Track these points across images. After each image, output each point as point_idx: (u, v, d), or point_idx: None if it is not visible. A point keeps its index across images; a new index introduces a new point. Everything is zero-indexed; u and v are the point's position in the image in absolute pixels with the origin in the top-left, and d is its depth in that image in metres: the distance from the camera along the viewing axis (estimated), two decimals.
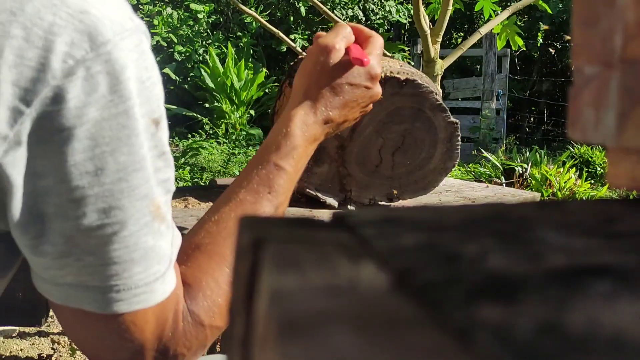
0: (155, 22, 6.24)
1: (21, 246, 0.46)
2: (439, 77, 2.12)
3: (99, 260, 0.45)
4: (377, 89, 0.71)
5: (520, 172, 4.19)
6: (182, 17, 6.46)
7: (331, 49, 0.68)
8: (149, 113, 0.46)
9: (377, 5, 7.29)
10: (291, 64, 1.14)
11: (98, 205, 0.44)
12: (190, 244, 0.57)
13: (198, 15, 6.56)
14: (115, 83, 0.43)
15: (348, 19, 6.93)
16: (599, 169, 5.10)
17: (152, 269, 0.47)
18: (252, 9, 6.23)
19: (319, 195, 1.13)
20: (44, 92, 0.41)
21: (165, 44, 6.44)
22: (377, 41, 0.72)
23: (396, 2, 7.45)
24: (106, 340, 0.49)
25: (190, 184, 4.49)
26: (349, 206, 1.14)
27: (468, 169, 4.83)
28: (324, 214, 1.07)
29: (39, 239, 0.44)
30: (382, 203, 1.15)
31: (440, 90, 1.88)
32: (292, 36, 6.54)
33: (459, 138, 1.12)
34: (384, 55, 2.05)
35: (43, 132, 0.42)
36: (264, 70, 6.62)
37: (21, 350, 2.06)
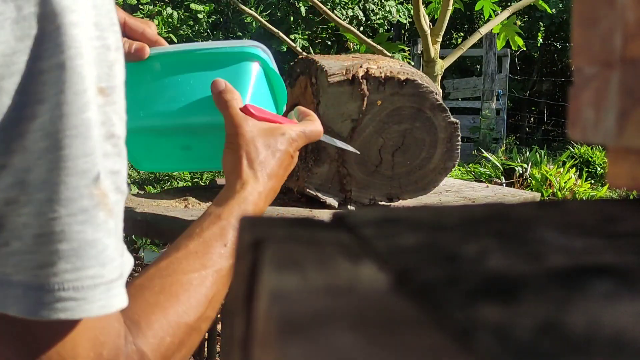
0: (156, 22, 6.24)
1: None
2: (439, 77, 2.12)
3: (24, 246, 0.36)
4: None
5: (520, 172, 4.19)
6: (182, 17, 6.46)
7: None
8: (96, 79, 0.38)
9: (377, 5, 7.29)
10: (291, 64, 1.14)
11: (24, 174, 0.36)
12: (134, 285, 0.49)
13: (198, 15, 6.56)
14: (52, 28, 0.35)
15: (348, 19, 6.93)
16: (599, 169, 5.10)
17: (88, 270, 0.37)
18: (252, 9, 6.23)
19: (319, 195, 1.13)
20: None
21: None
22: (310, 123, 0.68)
23: (396, 2, 7.45)
24: None
25: (190, 184, 4.49)
26: (349, 206, 1.14)
27: (468, 169, 4.83)
28: (324, 214, 1.07)
29: None
30: (382, 203, 1.15)
31: (440, 90, 1.88)
32: (292, 36, 6.54)
33: (459, 138, 1.12)
34: (384, 55, 2.05)
35: None
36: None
37: None
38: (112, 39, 0.39)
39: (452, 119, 1.11)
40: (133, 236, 2.62)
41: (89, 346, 0.40)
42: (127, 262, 0.42)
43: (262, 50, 0.71)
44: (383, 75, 1.05)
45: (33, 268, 0.37)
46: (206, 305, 0.52)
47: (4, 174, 0.36)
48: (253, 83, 0.69)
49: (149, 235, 1.06)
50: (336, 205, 1.13)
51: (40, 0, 0.35)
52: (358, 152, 0.97)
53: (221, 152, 0.64)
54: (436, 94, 1.09)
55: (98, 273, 0.38)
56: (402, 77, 1.05)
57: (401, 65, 1.10)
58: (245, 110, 0.64)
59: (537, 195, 1.36)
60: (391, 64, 1.08)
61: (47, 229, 0.36)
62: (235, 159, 0.62)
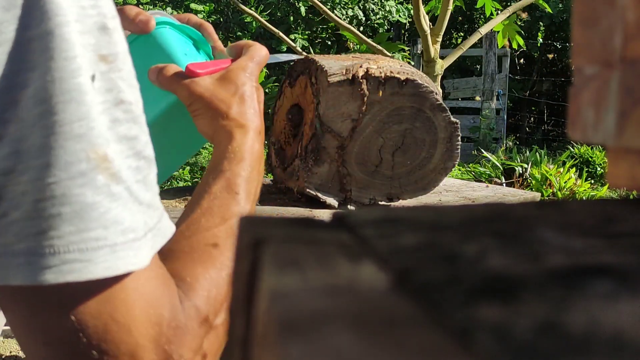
0: None
1: None
2: (439, 77, 2.12)
3: (24, 214, 0.36)
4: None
5: (520, 172, 4.19)
6: None
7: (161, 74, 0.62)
8: (95, 47, 0.38)
9: (377, 5, 7.29)
10: (291, 63, 1.14)
11: (19, 143, 0.36)
12: (163, 252, 0.47)
13: (198, 15, 6.56)
14: None
15: (348, 19, 6.93)
16: (599, 168, 5.10)
17: (90, 232, 0.37)
18: (252, 8, 6.22)
19: (319, 195, 1.13)
20: None
21: None
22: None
23: (396, 2, 7.45)
24: (75, 347, 0.38)
25: (190, 184, 4.49)
26: (349, 206, 1.14)
27: (468, 169, 4.83)
28: (324, 214, 1.07)
29: None
30: (382, 203, 1.16)
31: (440, 90, 1.88)
32: (292, 36, 6.54)
33: (459, 138, 1.12)
34: (384, 55, 2.04)
35: None
36: (264, 70, 6.62)
37: (21, 350, 2.06)
38: (107, 8, 0.40)
39: (452, 118, 1.11)
40: None
41: (145, 308, 0.40)
42: (164, 228, 0.42)
43: (160, 15, 0.69)
44: (383, 75, 1.05)
45: (35, 234, 0.36)
46: None
47: (0, 145, 0.36)
48: (175, 47, 0.67)
49: None
50: (336, 205, 1.13)
51: None
52: (301, 56, 0.94)
53: (193, 126, 0.63)
54: (436, 93, 1.09)
55: (101, 235, 0.38)
56: (402, 77, 1.05)
57: (401, 65, 1.10)
58: (189, 72, 0.62)
59: (537, 195, 1.36)
60: (391, 64, 1.08)
61: (47, 193, 0.36)
62: (208, 121, 0.61)
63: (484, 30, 2.30)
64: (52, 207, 0.37)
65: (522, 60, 8.41)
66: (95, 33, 0.39)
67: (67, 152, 0.37)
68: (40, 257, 0.36)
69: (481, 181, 3.99)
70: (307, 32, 6.95)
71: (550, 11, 2.72)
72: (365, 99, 1.06)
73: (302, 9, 6.80)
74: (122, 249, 0.39)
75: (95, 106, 0.38)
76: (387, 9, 7.27)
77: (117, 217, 0.39)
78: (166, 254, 0.47)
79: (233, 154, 0.58)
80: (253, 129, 0.61)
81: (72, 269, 0.37)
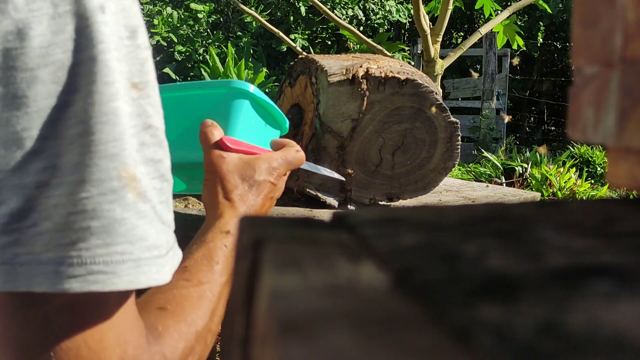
0: (156, 21, 6.24)
1: None
2: (439, 77, 2.12)
3: (55, 225, 0.38)
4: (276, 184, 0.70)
5: (521, 172, 4.19)
6: (182, 16, 6.46)
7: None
8: (128, 74, 0.41)
9: (377, 5, 7.28)
10: (291, 63, 1.14)
11: (56, 158, 0.38)
12: (138, 302, 0.49)
13: (198, 15, 6.56)
14: (85, 25, 0.39)
15: (348, 19, 6.93)
16: (599, 168, 5.10)
17: (117, 246, 0.39)
18: (252, 8, 6.22)
19: (319, 195, 1.13)
20: (4, 25, 0.37)
21: (166, 44, 6.44)
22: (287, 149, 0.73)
23: (396, 1, 7.45)
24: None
25: None
26: (349, 206, 1.14)
27: (468, 168, 4.83)
28: (324, 214, 1.07)
29: None
30: (382, 203, 1.15)
31: (440, 90, 1.88)
32: (292, 36, 6.54)
33: (459, 138, 1.12)
34: (384, 55, 2.05)
35: (4, 71, 0.37)
36: (264, 70, 6.63)
37: None
38: (142, 39, 0.43)
39: (452, 118, 1.11)
40: None
41: (115, 340, 0.42)
42: (175, 252, 0.45)
43: (248, 85, 0.74)
44: (383, 75, 1.05)
45: (65, 245, 0.38)
46: (209, 316, 0.55)
47: (36, 159, 0.38)
48: (237, 117, 0.72)
49: None
50: (336, 205, 1.13)
51: (75, 0, 0.39)
52: (343, 179, 0.98)
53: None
54: (436, 93, 1.09)
55: (127, 249, 0.40)
56: (402, 77, 1.05)
57: (401, 65, 1.10)
58: (222, 144, 0.67)
59: (537, 195, 1.36)
60: (391, 64, 1.08)
61: (79, 207, 0.38)
62: (211, 193, 0.66)
63: (484, 30, 2.30)
64: (82, 220, 0.39)
65: (514, 59, 8.41)
66: (129, 62, 0.41)
67: (100, 169, 0.39)
68: (68, 267, 0.38)
69: (481, 181, 3.99)
70: (307, 32, 6.95)
71: (550, 11, 2.72)
72: (365, 99, 1.06)
73: (302, 9, 6.80)
74: (146, 264, 0.41)
75: (128, 129, 0.41)
76: (387, 8, 7.27)
77: (143, 234, 0.41)
78: (141, 304, 0.50)
79: (218, 229, 0.63)
80: (246, 213, 0.66)
81: (96, 279, 0.39)
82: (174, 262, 0.44)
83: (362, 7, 7.18)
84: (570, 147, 5.56)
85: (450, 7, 2.10)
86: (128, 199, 0.40)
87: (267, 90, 6.70)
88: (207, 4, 6.63)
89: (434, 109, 1.02)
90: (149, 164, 0.42)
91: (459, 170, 4.75)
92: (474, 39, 2.28)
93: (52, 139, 0.38)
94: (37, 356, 0.40)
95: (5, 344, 0.41)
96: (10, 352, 0.41)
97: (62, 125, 0.38)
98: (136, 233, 0.40)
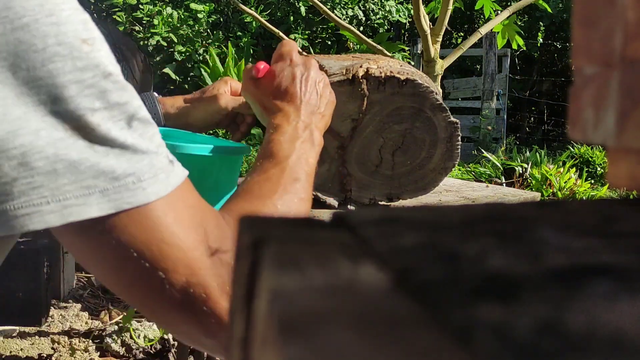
0: (156, 21, 6.23)
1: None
2: (439, 77, 2.12)
3: (30, 173, 0.45)
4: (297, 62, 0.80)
5: (521, 172, 4.19)
6: (182, 16, 6.46)
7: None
8: (74, 33, 0.46)
9: (377, 5, 7.28)
10: None
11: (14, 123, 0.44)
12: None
13: (198, 15, 6.55)
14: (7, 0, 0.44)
15: (348, 19, 6.93)
16: (599, 168, 5.10)
17: (82, 182, 0.46)
18: (252, 8, 6.22)
19: (319, 195, 1.13)
20: None
21: (166, 44, 6.44)
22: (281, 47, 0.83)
23: (396, 1, 7.44)
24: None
25: None
26: (349, 206, 1.14)
27: (468, 168, 4.83)
28: (324, 214, 1.07)
29: None
30: (382, 203, 1.15)
31: (440, 90, 1.88)
32: (292, 36, 6.54)
33: (459, 138, 1.12)
34: (384, 55, 2.05)
35: None
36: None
37: (21, 350, 2.06)
38: (75, 4, 0.48)
39: (452, 118, 1.11)
40: None
41: (186, 231, 0.50)
42: (164, 173, 0.50)
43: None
44: (383, 75, 1.05)
45: (38, 187, 0.45)
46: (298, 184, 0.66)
47: None
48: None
49: None
50: (336, 205, 1.13)
51: None
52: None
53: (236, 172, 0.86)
54: (436, 93, 1.09)
55: (91, 184, 0.47)
56: (402, 77, 1.05)
57: (401, 65, 1.10)
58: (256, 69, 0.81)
59: (537, 195, 1.36)
60: (391, 64, 1.08)
61: (43, 154, 0.45)
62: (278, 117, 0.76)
63: (483, 30, 2.30)
64: (49, 165, 0.45)
65: (521, 62, 8.40)
66: (69, 23, 0.47)
67: (45, 123, 0.45)
68: (46, 205, 0.45)
69: (481, 181, 3.99)
70: (307, 32, 6.95)
71: (550, 11, 2.72)
72: (365, 99, 1.05)
73: (302, 9, 6.79)
74: (117, 191, 0.47)
75: (74, 84, 0.46)
76: (387, 8, 7.27)
77: (107, 168, 0.47)
78: (225, 209, 0.60)
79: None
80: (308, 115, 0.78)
81: (71, 212, 0.46)
82: (170, 180, 0.51)
83: (362, 7, 7.18)
84: (570, 147, 5.56)
85: (450, 7, 2.10)
86: (79, 145, 0.46)
87: None
88: (207, 4, 6.63)
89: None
90: (114, 107, 0.48)
91: (459, 170, 4.75)
92: (474, 39, 2.28)
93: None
94: (130, 265, 0.49)
95: (99, 262, 0.50)
96: (106, 267, 0.50)
97: (4, 88, 0.44)
98: (99, 168, 0.47)
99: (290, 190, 0.64)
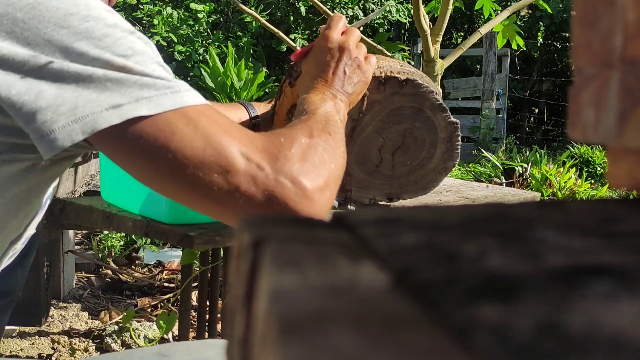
0: (155, 21, 6.23)
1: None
2: (439, 77, 2.12)
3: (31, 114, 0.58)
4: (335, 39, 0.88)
5: (521, 172, 4.19)
6: (182, 16, 6.45)
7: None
8: (97, 3, 0.62)
9: (377, 4, 7.28)
10: (291, 63, 1.14)
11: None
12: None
13: (198, 14, 6.55)
14: None
15: (348, 19, 6.92)
16: (599, 168, 5.09)
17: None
18: (252, 8, 6.22)
19: None
20: None
21: (166, 44, 6.44)
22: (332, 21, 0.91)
23: (396, 1, 7.44)
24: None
25: None
26: (349, 206, 1.14)
27: (468, 168, 4.82)
28: None
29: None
30: (382, 203, 1.15)
31: (440, 90, 1.88)
32: (292, 36, 6.53)
33: (459, 138, 1.12)
34: (384, 55, 2.04)
35: None
36: (264, 70, 6.62)
37: (21, 350, 2.06)
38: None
39: (453, 118, 1.11)
40: (133, 236, 2.62)
41: (213, 135, 0.60)
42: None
43: None
44: (383, 75, 1.05)
45: (38, 122, 0.58)
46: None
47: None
48: None
49: (149, 235, 1.07)
50: (336, 205, 1.13)
51: None
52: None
53: None
54: (436, 93, 1.08)
55: (139, 94, 0.59)
56: (402, 77, 1.05)
57: (401, 65, 1.10)
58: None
59: (537, 195, 1.36)
60: (391, 64, 1.08)
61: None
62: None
63: (484, 30, 2.30)
64: (101, 84, 0.60)
65: (521, 62, 8.40)
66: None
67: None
68: (42, 136, 0.58)
69: (481, 181, 3.99)
70: (307, 32, 6.94)
71: (550, 11, 2.72)
72: (366, 99, 1.05)
73: (302, 9, 6.79)
74: (159, 98, 0.59)
75: (106, 38, 0.62)
76: (387, 8, 7.27)
77: (148, 82, 0.60)
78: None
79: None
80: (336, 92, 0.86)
81: (126, 112, 0.58)
82: (198, 97, 0.62)
83: (361, 7, 7.18)
84: (570, 147, 5.56)
85: (450, 7, 2.10)
86: (120, 74, 0.59)
87: (267, 89, 6.69)
88: (207, 4, 6.63)
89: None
90: (143, 53, 0.61)
91: (459, 170, 4.75)
92: (474, 39, 2.28)
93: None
94: (163, 162, 0.59)
95: (145, 164, 0.60)
96: (153, 168, 0.60)
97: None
98: (142, 83, 0.59)
99: (325, 127, 0.69)
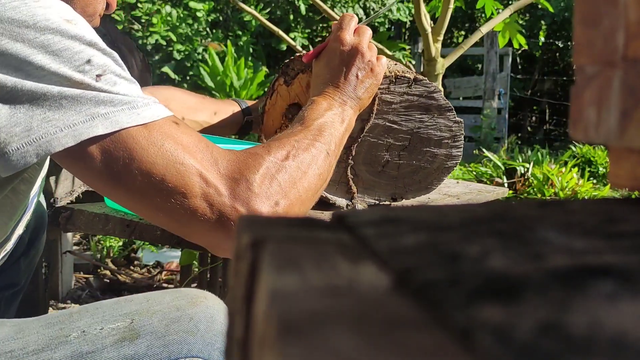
0: (154, 20, 6.23)
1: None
2: (440, 76, 2.12)
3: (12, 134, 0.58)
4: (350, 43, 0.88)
5: (522, 171, 4.19)
6: (181, 15, 6.46)
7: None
8: (59, 14, 0.61)
9: (378, 3, 7.28)
10: (286, 61, 1.13)
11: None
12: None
13: (197, 13, 6.55)
14: None
15: None
16: (601, 168, 5.09)
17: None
18: (252, 7, 6.22)
19: (328, 196, 1.13)
20: None
21: (165, 43, 6.44)
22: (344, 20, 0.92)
23: (397, 0, 7.44)
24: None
25: None
26: (357, 206, 1.14)
27: (469, 168, 4.82)
28: (324, 214, 1.07)
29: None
30: (387, 203, 1.15)
31: (442, 89, 1.88)
32: (292, 35, 6.53)
33: (462, 137, 1.12)
34: (385, 54, 2.04)
35: None
36: (264, 69, 6.62)
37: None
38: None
39: (456, 118, 1.11)
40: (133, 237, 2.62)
41: (170, 154, 0.60)
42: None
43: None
44: (393, 74, 1.04)
45: (5, 144, 0.57)
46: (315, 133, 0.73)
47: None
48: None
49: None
50: (344, 207, 1.13)
51: None
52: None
53: None
54: (442, 93, 1.09)
55: (94, 112, 0.58)
56: (411, 76, 1.05)
57: (404, 68, 1.10)
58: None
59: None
60: (397, 68, 1.08)
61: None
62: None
63: (485, 29, 2.30)
64: (56, 102, 0.58)
65: (522, 61, 8.40)
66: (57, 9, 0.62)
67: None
68: (55, 134, 0.57)
69: (482, 181, 3.99)
70: (307, 31, 6.94)
71: (552, 10, 2.72)
72: (377, 99, 1.05)
73: (302, 8, 6.79)
74: (115, 115, 0.58)
75: (63, 52, 0.60)
76: (396, 5, 7.26)
77: (105, 98, 0.59)
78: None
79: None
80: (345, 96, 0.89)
81: (81, 133, 0.57)
82: (159, 112, 0.61)
83: (362, 5, 7.18)
84: (572, 147, 5.55)
85: (451, 6, 2.10)
86: (76, 90, 0.58)
87: (266, 89, 6.66)
88: (207, 2, 6.63)
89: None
90: (100, 67, 0.59)
91: (460, 170, 4.74)
92: (475, 38, 2.28)
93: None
94: (122, 181, 0.59)
95: (110, 183, 0.59)
96: (110, 185, 0.59)
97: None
98: (98, 99, 0.58)
99: (312, 144, 0.70)
